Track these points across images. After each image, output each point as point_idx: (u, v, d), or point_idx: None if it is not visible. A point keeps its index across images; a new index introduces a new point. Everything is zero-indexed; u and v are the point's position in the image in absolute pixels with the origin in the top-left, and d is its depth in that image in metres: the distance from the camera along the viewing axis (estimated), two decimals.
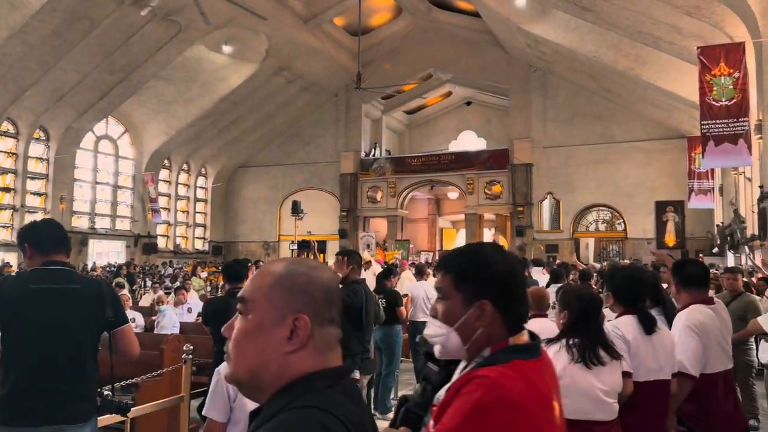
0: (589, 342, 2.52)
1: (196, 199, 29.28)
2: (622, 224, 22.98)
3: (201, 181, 29.49)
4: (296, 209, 9.23)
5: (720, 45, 9.45)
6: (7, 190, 21.34)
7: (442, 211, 31.16)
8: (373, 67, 26.08)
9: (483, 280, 1.34)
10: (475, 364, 1.31)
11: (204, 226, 29.70)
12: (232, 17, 19.57)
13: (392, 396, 6.74)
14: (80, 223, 24.09)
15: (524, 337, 1.33)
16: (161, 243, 27.16)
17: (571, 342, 2.53)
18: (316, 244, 6.05)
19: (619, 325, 2.78)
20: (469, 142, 29.40)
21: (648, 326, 2.74)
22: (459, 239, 30.67)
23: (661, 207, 21.98)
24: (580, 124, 23.28)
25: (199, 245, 29.06)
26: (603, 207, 23.36)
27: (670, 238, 21.68)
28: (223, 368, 1.92)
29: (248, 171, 29.48)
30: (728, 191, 16.96)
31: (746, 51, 9.24)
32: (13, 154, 21.35)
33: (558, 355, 2.47)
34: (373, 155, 27.38)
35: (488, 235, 28.11)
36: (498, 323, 1.32)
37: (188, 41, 20.77)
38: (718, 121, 9.46)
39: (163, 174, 27.44)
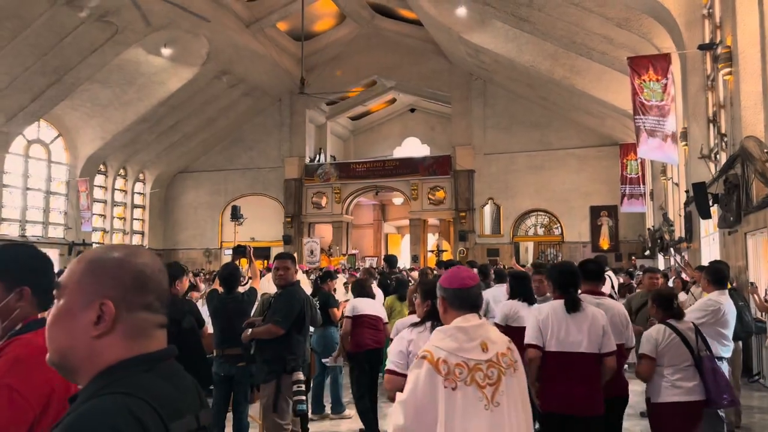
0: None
1: (134, 206, 28.38)
2: (560, 228, 23.78)
3: (139, 186, 28.61)
4: (235, 215, 9.15)
5: (648, 56, 9.98)
6: None
7: (388, 216, 31.38)
8: (317, 72, 26.08)
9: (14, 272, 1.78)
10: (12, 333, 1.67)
11: (142, 233, 28.81)
12: (171, 19, 19.20)
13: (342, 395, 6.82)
14: (10, 230, 22.91)
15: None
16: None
17: (433, 324, 2.78)
18: (251, 249, 5.99)
19: (543, 307, 3.54)
20: (414, 148, 29.79)
21: (571, 307, 3.37)
22: (404, 244, 30.98)
23: (595, 211, 22.88)
24: (518, 131, 23.98)
25: None
26: (541, 212, 24.12)
27: (605, 242, 22.59)
28: None
29: (189, 176, 28.84)
30: (658, 196, 17.85)
31: (672, 61, 9.80)
32: None
33: (421, 335, 2.81)
34: (318, 161, 27.33)
35: (432, 240, 28.52)
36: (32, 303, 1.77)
37: (125, 43, 20.18)
38: (650, 117, 9.91)
39: (99, 179, 26.49)
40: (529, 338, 3.46)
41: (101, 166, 26.27)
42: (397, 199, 28.13)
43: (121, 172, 27.54)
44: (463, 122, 24.70)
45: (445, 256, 25.34)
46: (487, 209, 24.46)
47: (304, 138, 27.01)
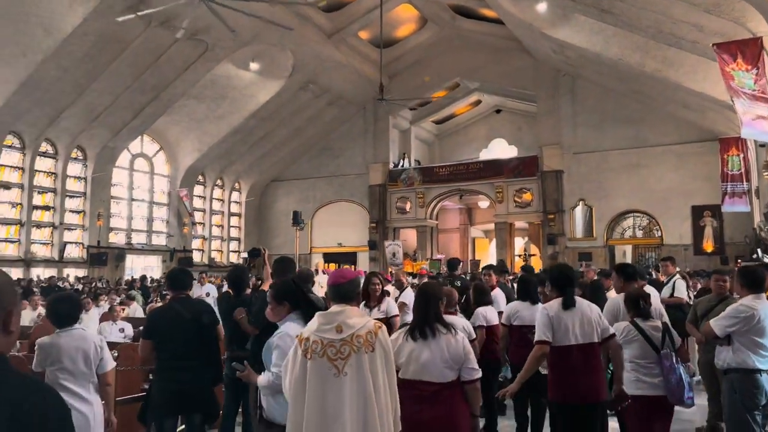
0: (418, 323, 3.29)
1: (231, 214, 29.82)
2: (659, 230, 22.27)
3: (235, 195, 30.03)
4: (296, 220, 9.30)
5: (736, 41, 9.07)
6: (47, 208, 22.16)
7: (474, 220, 30.85)
8: (399, 78, 26.17)
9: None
10: None
11: (238, 239, 30.19)
12: (257, 33, 19.95)
13: None
14: (117, 239, 24.80)
15: None
16: (197, 257, 27.69)
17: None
18: (266, 251, 6.05)
19: (547, 306, 3.90)
20: (501, 149, 29.10)
21: (567, 304, 3.75)
22: (492, 249, 30.31)
23: (697, 211, 21.21)
24: (611, 128, 22.74)
25: (233, 258, 29.51)
26: (638, 213, 22.70)
27: (709, 244, 20.88)
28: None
29: (280, 185, 29.89)
30: (764, 194, 16.26)
31: (765, 46, 8.85)
32: (52, 173, 22.18)
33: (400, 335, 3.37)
34: (402, 166, 27.37)
35: (520, 244, 27.69)
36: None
37: (215, 60, 21.24)
38: (747, 99, 9.06)
39: (198, 190, 28.07)
40: (537, 335, 3.81)
41: (199, 177, 27.82)
42: (483, 203, 27.59)
43: (218, 182, 29.01)
44: (551, 121, 23.79)
45: (534, 261, 24.52)
46: (578, 211, 23.38)
47: (387, 144, 27.17)
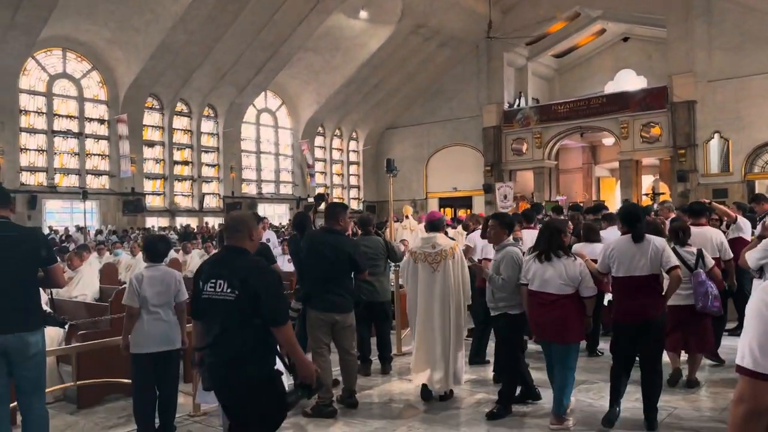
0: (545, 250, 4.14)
1: (350, 162, 30.88)
2: None
3: (353, 144, 30.98)
4: (389, 168, 9.48)
5: None
6: (186, 163, 24.37)
7: (599, 159, 29.34)
8: (513, 12, 25.13)
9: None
10: None
11: (358, 187, 31.29)
12: None
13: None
14: (249, 189, 26.76)
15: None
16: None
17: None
18: (329, 195, 6.45)
19: (611, 242, 4.37)
20: (629, 81, 27.10)
21: (636, 238, 4.09)
22: (617, 189, 28.80)
23: None
24: (753, 51, 20.36)
25: (354, 205, 30.71)
26: None
27: None
28: None
29: (395, 132, 30.31)
30: None
31: None
32: (188, 131, 24.25)
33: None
34: (518, 105, 26.56)
35: (647, 183, 26.07)
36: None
37: (326, 11, 21.71)
38: None
39: (319, 140, 29.29)
40: (599, 268, 4.25)
41: (319, 128, 28.99)
42: (608, 140, 26.12)
43: (337, 132, 30.05)
44: (683, 47, 21.74)
45: (662, 199, 23.03)
46: (713, 144, 21.46)
47: (502, 83, 26.40)
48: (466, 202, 27.12)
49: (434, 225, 4.98)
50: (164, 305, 3.86)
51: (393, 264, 6.25)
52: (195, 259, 10.67)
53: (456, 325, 4.70)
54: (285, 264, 8.51)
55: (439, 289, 4.68)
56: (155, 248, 4.03)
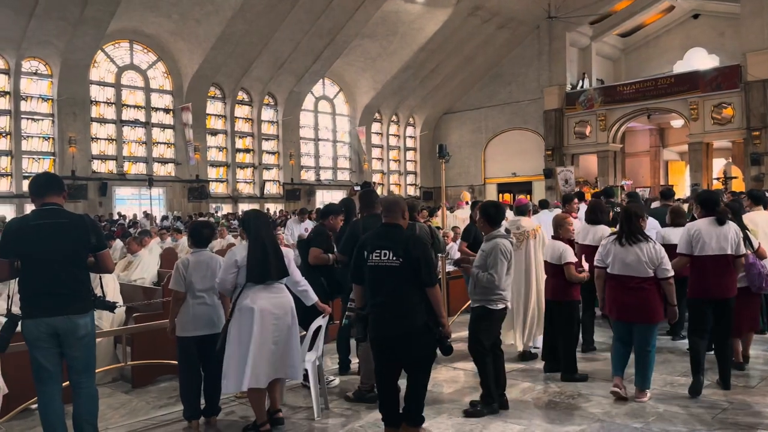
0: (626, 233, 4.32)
1: (406, 148, 30.80)
2: None
3: (410, 130, 30.86)
4: (442, 152, 9.33)
5: None
6: (247, 150, 24.96)
7: (667, 141, 28.06)
8: None
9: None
10: None
11: (414, 173, 31.20)
12: None
13: None
14: (308, 176, 27.16)
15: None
16: (377, 191, 29.32)
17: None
18: (375, 184, 6.44)
19: (695, 224, 4.62)
20: (699, 60, 25.73)
21: (720, 222, 4.50)
22: (687, 172, 27.48)
23: None
24: None
25: (411, 191, 30.68)
26: None
27: None
28: None
29: (452, 117, 29.98)
30: None
31: None
32: (249, 119, 24.79)
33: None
34: (581, 87, 25.69)
35: (719, 166, 24.73)
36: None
37: None
38: None
39: (375, 127, 29.34)
40: (680, 249, 4.59)
41: (376, 114, 29.02)
42: (677, 122, 24.92)
43: (393, 118, 30.00)
44: (757, 22, 20.41)
45: (734, 184, 21.86)
46: None
47: (564, 65, 25.59)
48: (525, 187, 26.58)
49: (521, 209, 5.85)
50: (208, 290, 3.96)
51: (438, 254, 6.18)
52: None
53: (537, 292, 5.44)
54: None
55: (524, 266, 5.39)
56: (200, 234, 4.13)
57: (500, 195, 26.53)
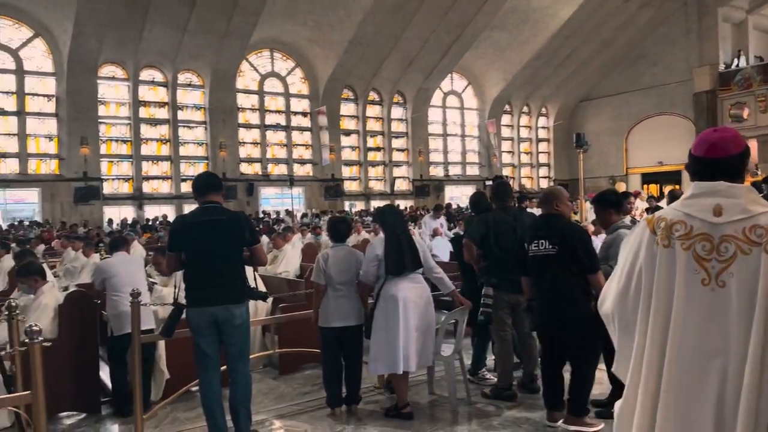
0: None
1: (538, 140, 29.81)
2: None
3: (542, 121, 29.83)
4: (579, 142, 8.83)
5: None
6: (378, 149, 25.61)
7: None
8: None
9: None
10: None
11: (548, 165, 30.10)
12: None
13: None
14: (437, 171, 27.24)
15: None
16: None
17: None
18: (507, 178, 5.99)
19: None
20: None
21: None
22: None
23: None
24: None
25: (544, 184, 29.65)
26: None
27: None
28: None
29: (589, 104, 28.52)
30: None
31: None
32: (380, 118, 25.37)
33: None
34: (737, 66, 23.27)
35: None
36: None
37: None
38: None
39: (506, 119, 28.71)
40: None
41: (506, 106, 28.40)
42: None
43: (524, 109, 29.17)
44: None
45: None
46: None
47: (716, 42, 23.32)
48: (674, 177, 24.59)
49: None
50: (347, 283, 4.09)
51: None
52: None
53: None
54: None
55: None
56: (337, 229, 4.30)
57: (645, 186, 24.84)
